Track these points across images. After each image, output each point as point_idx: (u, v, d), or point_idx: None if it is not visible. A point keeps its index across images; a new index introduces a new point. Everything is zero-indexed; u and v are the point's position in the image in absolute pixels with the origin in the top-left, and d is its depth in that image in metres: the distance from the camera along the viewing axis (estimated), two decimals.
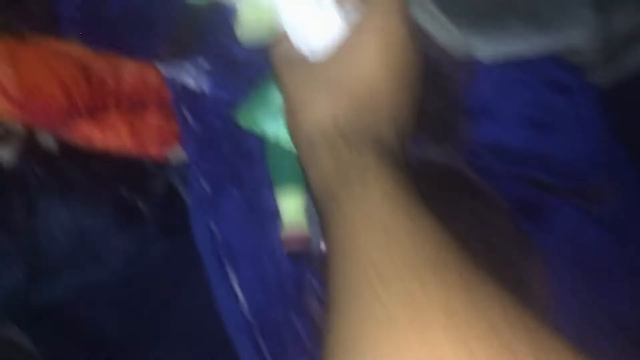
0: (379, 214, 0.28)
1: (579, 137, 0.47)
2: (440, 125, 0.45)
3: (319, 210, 0.32)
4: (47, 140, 0.48)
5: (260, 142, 0.41)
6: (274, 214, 0.42)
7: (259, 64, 0.40)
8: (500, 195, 0.47)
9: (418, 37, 0.40)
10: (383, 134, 0.33)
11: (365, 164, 0.30)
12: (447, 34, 0.46)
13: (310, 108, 0.34)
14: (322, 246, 0.43)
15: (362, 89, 0.33)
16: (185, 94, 0.45)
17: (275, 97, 0.39)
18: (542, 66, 0.49)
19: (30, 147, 0.45)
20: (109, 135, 0.45)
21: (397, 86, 0.34)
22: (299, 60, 0.35)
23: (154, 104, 0.46)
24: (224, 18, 0.39)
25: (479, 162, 0.46)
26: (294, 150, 0.35)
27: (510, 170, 0.46)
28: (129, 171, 0.47)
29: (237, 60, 0.43)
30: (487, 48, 0.46)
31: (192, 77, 0.45)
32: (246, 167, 0.44)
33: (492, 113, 0.46)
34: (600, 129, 0.50)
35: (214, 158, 0.44)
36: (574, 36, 0.47)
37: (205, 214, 0.44)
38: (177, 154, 0.47)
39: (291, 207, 0.41)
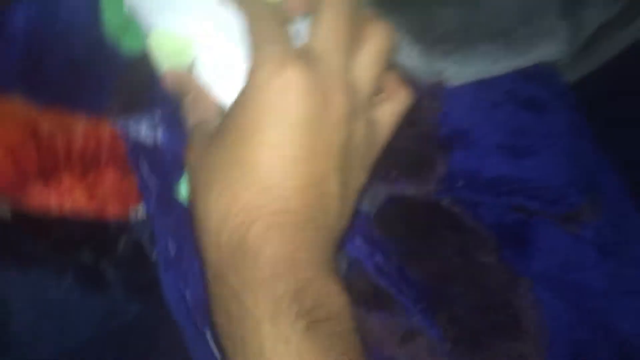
0: None
1: (558, 158, 0.45)
2: (415, 159, 0.43)
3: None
4: (0, 210, 0.45)
5: None
6: None
7: None
8: (484, 227, 0.45)
9: None
10: (297, 258, 0.27)
11: (259, 343, 0.26)
12: (412, 59, 0.43)
13: (200, 218, 0.29)
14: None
15: (256, 186, 0.28)
16: (141, 148, 0.43)
17: None
18: (514, 84, 0.47)
19: None
20: (65, 199, 0.42)
21: (309, 173, 0.28)
22: (208, 145, 0.30)
23: (110, 161, 0.43)
24: None
25: (457, 192, 0.44)
26: None
27: (490, 198, 0.44)
28: (90, 234, 0.44)
29: None
30: (455, 71, 0.43)
31: (146, 130, 0.42)
32: None
33: (467, 140, 0.44)
34: (578, 145, 0.48)
35: (175, 214, 0.41)
36: (545, 51, 0.46)
37: (174, 275, 0.41)
38: (140, 210, 0.44)
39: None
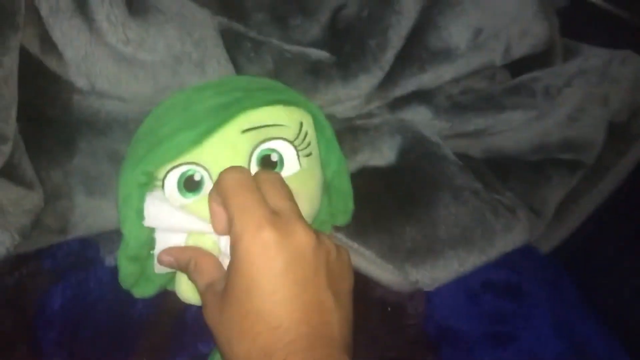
0: None
1: (540, 338, 0.49)
2: None
3: None
4: None
5: None
6: None
7: None
8: None
9: (361, 284, 0.45)
10: None
11: None
12: (387, 274, 0.50)
13: (234, 352, 0.35)
14: None
15: (266, 331, 0.35)
16: None
17: None
18: (489, 273, 0.53)
19: None
20: None
21: (305, 301, 0.35)
22: (221, 304, 0.37)
23: None
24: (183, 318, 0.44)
25: None
26: None
27: None
28: None
29: (205, 352, 0.47)
30: (428, 279, 0.49)
31: None
32: None
33: (453, 337, 0.49)
34: (564, 316, 0.53)
35: None
36: (506, 244, 0.52)
37: None
38: None
39: None
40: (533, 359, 0.49)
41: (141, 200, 0.42)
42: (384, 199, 0.52)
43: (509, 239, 0.52)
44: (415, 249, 0.50)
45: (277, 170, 0.43)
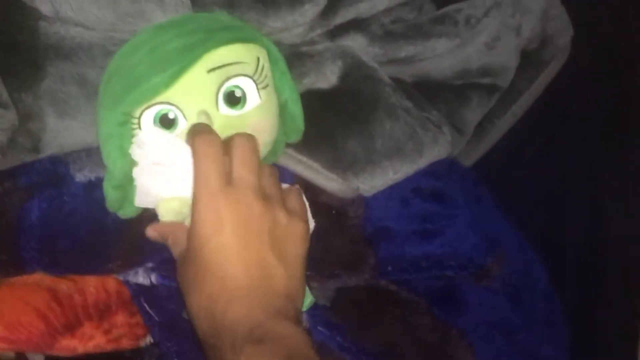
0: None
1: (459, 233, 0.59)
2: (350, 258, 0.56)
3: None
4: (35, 357, 0.56)
5: None
6: None
7: None
8: (416, 296, 0.58)
9: (310, 191, 0.52)
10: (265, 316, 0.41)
11: None
12: (331, 182, 0.57)
13: (189, 312, 0.43)
14: None
15: (213, 281, 0.42)
16: (140, 290, 0.55)
17: None
18: (418, 181, 0.61)
19: None
20: (88, 343, 0.54)
21: (247, 258, 0.43)
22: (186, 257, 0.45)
23: (119, 306, 0.55)
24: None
25: (390, 275, 0.57)
26: None
27: (415, 274, 0.57)
28: None
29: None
30: (367, 186, 0.57)
31: (142, 276, 0.54)
32: None
33: (388, 234, 0.58)
34: (478, 216, 0.62)
35: (179, 338, 0.53)
36: (433, 155, 0.60)
37: None
38: (148, 338, 0.56)
39: None
40: (453, 250, 0.58)
41: (122, 137, 0.48)
42: (328, 118, 0.58)
43: (435, 151, 0.60)
44: (355, 160, 0.57)
45: (240, 104, 0.49)
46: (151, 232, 0.49)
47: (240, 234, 0.43)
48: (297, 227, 0.46)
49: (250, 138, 0.47)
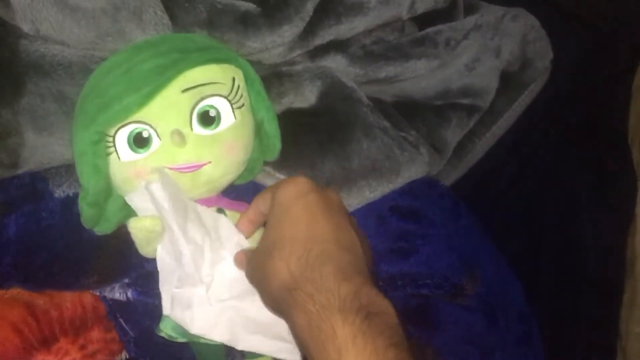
0: None
1: (435, 252, 0.59)
2: None
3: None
4: None
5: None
6: None
7: None
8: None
9: None
10: (342, 278, 0.40)
11: (332, 327, 0.37)
12: None
13: (271, 268, 0.42)
14: None
15: (303, 235, 0.42)
16: (116, 305, 0.55)
17: None
18: (396, 200, 0.61)
19: None
20: (63, 359, 0.54)
21: (333, 223, 0.43)
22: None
23: (94, 322, 0.55)
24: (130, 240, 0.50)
25: None
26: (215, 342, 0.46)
27: (391, 291, 0.58)
28: None
29: (151, 270, 0.53)
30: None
31: (119, 292, 0.55)
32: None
33: None
34: (455, 234, 0.63)
35: (154, 353, 0.53)
36: (409, 175, 0.60)
37: None
38: (124, 355, 0.56)
39: None
40: (429, 268, 0.59)
41: (96, 155, 0.49)
42: (306, 137, 0.59)
43: (412, 170, 0.61)
44: (332, 179, 0.58)
45: (215, 124, 0.50)
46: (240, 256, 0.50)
47: (324, 203, 0.45)
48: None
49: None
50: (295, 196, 0.45)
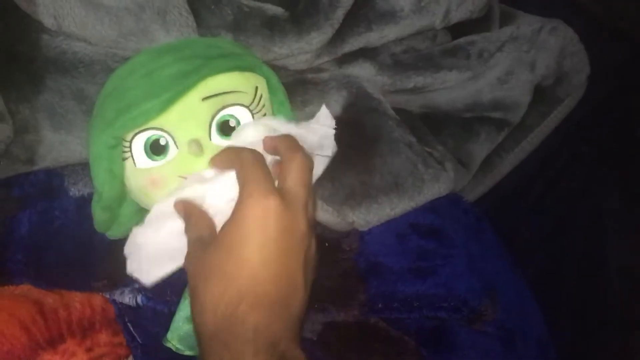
0: None
1: (455, 273, 0.57)
2: (340, 293, 0.55)
3: None
4: None
5: None
6: None
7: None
8: (406, 335, 0.56)
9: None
10: (272, 329, 0.39)
11: None
12: (326, 214, 0.56)
13: (201, 301, 0.40)
14: None
15: (244, 278, 0.40)
16: (126, 310, 0.54)
17: None
18: (416, 217, 0.60)
19: None
20: None
21: (282, 269, 0.41)
22: (205, 253, 0.43)
23: (103, 325, 0.54)
24: None
25: (380, 312, 0.56)
26: None
27: (407, 313, 0.56)
28: None
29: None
30: (363, 220, 0.56)
31: (128, 296, 0.54)
32: None
33: (380, 270, 0.56)
34: (476, 255, 0.61)
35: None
36: (432, 192, 0.58)
37: None
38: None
39: None
40: (447, 290, 0.57)
41: (111, 160, 0.47)
42: None
43: (435, 188, 0.59)
44: (352, 194, 0.56)
45: None
46: (178, 205, 0.47)
47: (283, 245, 0.41)
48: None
49: (308, 158, 0.45)
50: (258, 224, 0.41)
